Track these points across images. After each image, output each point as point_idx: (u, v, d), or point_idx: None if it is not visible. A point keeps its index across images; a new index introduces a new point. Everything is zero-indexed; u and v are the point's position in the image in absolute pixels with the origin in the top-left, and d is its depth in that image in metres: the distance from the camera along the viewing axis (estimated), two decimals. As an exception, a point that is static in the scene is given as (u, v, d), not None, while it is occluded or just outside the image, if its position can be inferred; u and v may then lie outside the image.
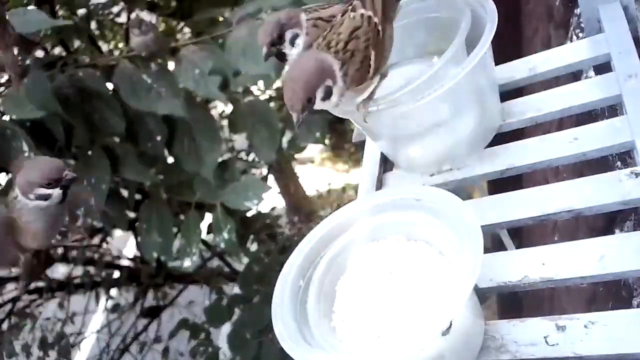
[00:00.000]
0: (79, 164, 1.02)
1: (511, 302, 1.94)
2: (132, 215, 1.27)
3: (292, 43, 0.56)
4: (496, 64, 0.66)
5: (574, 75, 0.78)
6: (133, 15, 2.48)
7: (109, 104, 0.94)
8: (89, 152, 1.00)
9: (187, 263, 1.09)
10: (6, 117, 0.90)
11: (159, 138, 1.00)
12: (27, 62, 0.92)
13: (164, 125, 1.00)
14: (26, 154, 0.87)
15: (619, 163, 0.71)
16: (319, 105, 0.52)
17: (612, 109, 0.67)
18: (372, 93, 0.57)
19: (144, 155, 1.03)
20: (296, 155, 3.06)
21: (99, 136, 0.99)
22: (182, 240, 1.10)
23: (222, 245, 1.08)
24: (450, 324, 0.43)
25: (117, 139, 1.02)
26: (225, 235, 1.07)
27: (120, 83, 0.91)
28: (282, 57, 0.58)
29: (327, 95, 0.52)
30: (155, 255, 1.10)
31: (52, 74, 0.93)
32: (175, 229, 1.31)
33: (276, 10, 0.92)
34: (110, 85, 0.99)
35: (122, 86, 0.91)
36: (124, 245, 2.85)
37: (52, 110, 0.87)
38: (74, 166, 1.04)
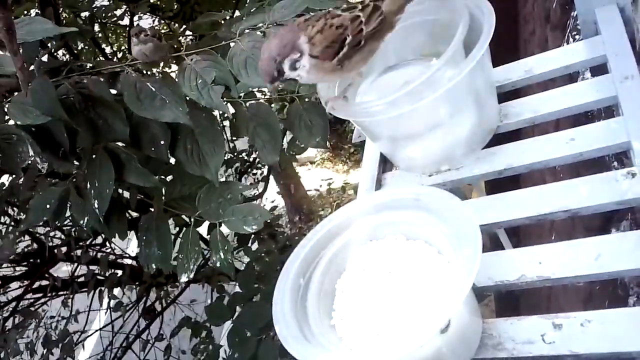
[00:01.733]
0: (82, 169, 1.02)
1: (509, 301, 1.94)
2: (135, 214, 1.27)
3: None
4: (494, 66, 0.67)
5: (570, 77, 0.79)
6: (135, 18, 2.49)
7: (113, 110, 0.94)
8: (93, 157, 1.00)
9: (184, 278, 1.09)
10: (12, 122, 0.91)
11: (162, 142, 1.00)
12: (32, 67, 0.92)
13: (167, 129, 1.00)
14: (31, 159, 0.88)
15: (615, 163, 0.72)
16: (290, 75, 0.57)
17: (608, 110, 0.68)
18: (344, 91, 0.61)
19: (147, 165, 1.03)
20: (297, 156, 3.06)
21: (103, 141, 0.99)
22: (180, 255, 1.10)
23: (218, 264, 1.08)
24: (449, 322, 0.44)
25: (120, 144, 1.02)
26: (222, 255, 1.07)
27: (124, 90, 0.91)
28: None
29: (294, 67, 0.56)
30: (153, 266, 1.10)
31: (57, 80, 0.93)
32: (175, 236, 1.30)
33: (280, 24, 0.93)
34: (114, 92, 0.99)
35: (127, 93, 0.91)
36: (127, 244, 2.86)
37: (58, 116, 0.87)
38: (77, 172, 1.05)
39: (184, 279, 1.09)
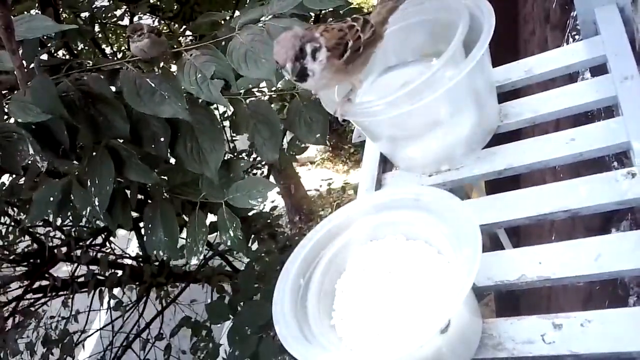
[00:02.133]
0: (82, 167, 1.03)
1: (509, 301, 1.94)
2: (135, 214, 1.28)
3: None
4: (494, 66, 0.67)
5: (570, 77, 0.79)
6: (135, 19, 2.50)
7: (114, 107, 0.94)
8: (93, 154, 1.00)
9: (194, 261, 1.10)
10: (12, 120, 0.91)
11: (162, 140, 1.00)
12: (32, 65, 0.92)
13: (167, 126, 1.00)
14: (31, 158, 0.88)
15: (615, 163, 0.72)
16: (308, 61, 0.54)
17: (608, 110, 0.68)
18: (349, 96, 0.61)
19: (147, 157, 1.03)
20: (297, 156, 3.06)
21: (104, 139, 0.99)
22: (188, 239, 1.10)
23: (228, 243, 1.09)
24: (449, 322, 0.44)
25: (120, 141, 1.02)
26: (231, 233, 1.08)
27: (124, 86, 0.91)
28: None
29: (314, 55, 0.54)
30: (161, 253, 1.11)
31: (57, 78, 0.94)
32: (179, 228, 1.31)
33: (278, 17, 0.93)
34: (113, 89, 0.99)
35: (126, 89, 0.91)
36: (127, 244, 2.86)
37: (58, 114, 0.87)
38: (78, 169, 1.05)
39: (194, 261, 1.10)
